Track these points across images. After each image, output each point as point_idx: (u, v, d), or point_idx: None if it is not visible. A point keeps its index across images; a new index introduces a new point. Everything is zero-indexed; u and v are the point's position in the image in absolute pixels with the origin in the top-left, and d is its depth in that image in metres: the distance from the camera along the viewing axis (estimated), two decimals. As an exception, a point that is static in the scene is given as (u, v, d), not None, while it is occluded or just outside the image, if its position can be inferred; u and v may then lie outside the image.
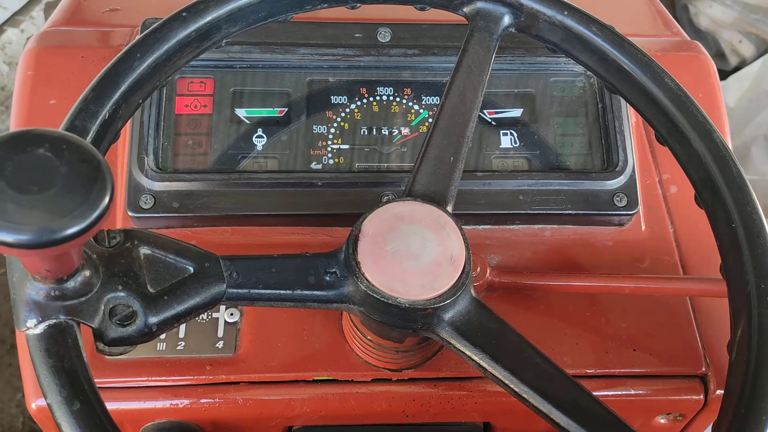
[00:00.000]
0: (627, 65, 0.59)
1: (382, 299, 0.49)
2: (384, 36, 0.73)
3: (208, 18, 0.56)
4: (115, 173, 0.71)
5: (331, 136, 0.72)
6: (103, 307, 0.43)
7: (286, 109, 0.72)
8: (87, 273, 0.43)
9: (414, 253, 0.52)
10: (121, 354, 0.46)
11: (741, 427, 0.44)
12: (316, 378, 0.62)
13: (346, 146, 0.72)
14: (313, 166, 0.71)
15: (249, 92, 0.72)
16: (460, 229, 0.53)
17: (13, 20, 2.34)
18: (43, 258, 0.38)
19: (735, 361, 0.48)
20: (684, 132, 0.56)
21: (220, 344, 0.63)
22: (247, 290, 0.49)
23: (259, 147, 0.71)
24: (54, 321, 0.41)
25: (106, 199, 0.35)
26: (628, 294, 0.66)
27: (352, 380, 0.63)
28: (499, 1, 0.61)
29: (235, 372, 0.62)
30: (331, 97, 0.73)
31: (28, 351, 0.62)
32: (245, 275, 0.49)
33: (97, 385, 0.42)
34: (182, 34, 0.55)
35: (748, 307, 0.48)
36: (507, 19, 0.61)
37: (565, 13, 0.60)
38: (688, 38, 0.88)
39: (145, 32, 0.54)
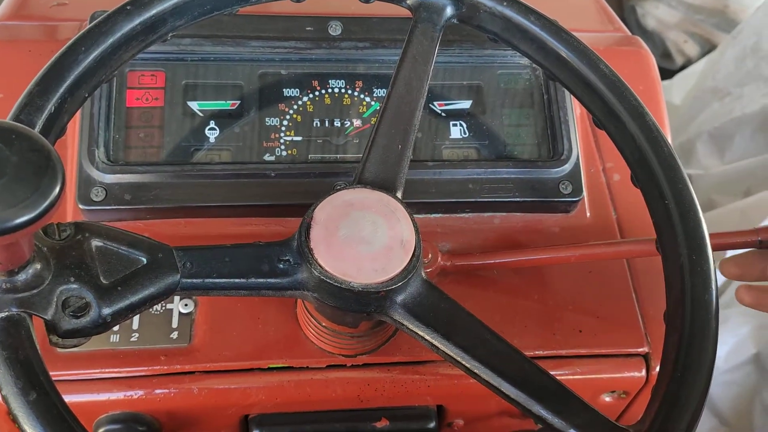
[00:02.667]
0: (564, 53, 0.62)
1: (336, 284, 0.50)
2: (335, 29, 0.74)
3: (153, 11, 0.56)
4: (66, 166, 0.70)
5: (284, 128, 0.73)
6: (55, 299, 0.43)
7: (239, 102, 0.73)
8: (38, 266, 0.43)
9: (365, 238, 0.53)
10: (74, 346, 0.46)
11: (677, 389, 0.47)
12: (271, 366, 0.63)
13: (299, 138, 0.72)
14: (266, 157, 0.71)
15: (201, 85, 0.73)
16: (410, 214, 0.54)
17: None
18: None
19: (670, 329, 0.50)
20: (619, 115, 0.59)
21: (174, 335, 0.63)
22: (201, 280, 0.50)
23: (212, 139, 0.71)
24: (6, 314, 0.41)
25: (57, 188, 0.35)
26: (573, 263, 0.68)
27: (308, 367, 0.63)
28: None
29: (190, 362, 0.62)
30: (284, 89, 0.74)
31: None
32: (199, 265, 0.50)
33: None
34: (127, 27, 0.55)
35: (681, 278, 0.50)
36: (449, 11, 0.63)
37: (505, 3, 0.63)
38: (630, 34, 0.92)
39: (90, 25, 0.54)
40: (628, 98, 0.59)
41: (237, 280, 0.51)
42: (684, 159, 1.64)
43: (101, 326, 0.45)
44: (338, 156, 0.72)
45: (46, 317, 0.43)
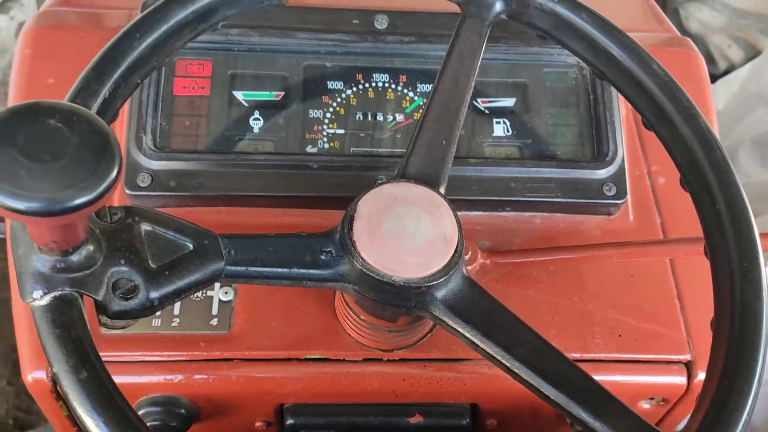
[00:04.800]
0: (615, 51, 0.61)
1: (377, 277, 0.50)
2: (381, 23, 0.74)
3: (207, 0, 0.56)
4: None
5: (326, 121, 0.73)
6: (106, 281, 0.44)
7: (283, 93, 0.73)
8: (91, 247, 0.43)
9: (408, 232, 0.53)
10: (122, 328, 0.46)
11: (725, 398, 0.46)
12: (308, 357, 0.63)
13: (341, 131, 0.73)
14: (309, 149, 0.72)
15: (247, 75, 0.73)
16: (453, 211, 0.54)
17: (2, 6, 2.33)
18: (51, 228, 0.38)
19: (718, 336, 0.49)
20: (670, 117, 0.58)
21: (214, 321, 0.64)
22: (245, 268, 0.50)
23: (256, 129, 0.72)
24: (59, 292, 0.42)
25: (115, 171, 0.36)
26: (616, 261, 0.67)
27: (344, 359, 0.64)
28: None
29: (229, 349, 0.63)
30: (328, 82, 0.74)
31: (25, 324, 0.63)
32: (243, 253, 0.50)
33: None
34: (181, 15, 0.55)
35: (731, 285, 0.49)
36: (498, 6, 0.62)
37: (556, 0, 0.62)
38: (680, 35, 0.90)
39: (145, 12, 0.55)
40: (680, 100, 0.58)
41: (280, 270, 0.51)
42: (726, 165, 1.60)
43: (148, 309, 0.46)
44: (380, 150, 0.72)
45: (97, 298, 0.44)
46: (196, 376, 0.62)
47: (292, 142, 0.72)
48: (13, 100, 0.75)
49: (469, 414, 0.69)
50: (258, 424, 0.68)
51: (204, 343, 0.63)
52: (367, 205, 0.53)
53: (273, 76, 0.74)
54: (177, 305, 0.64)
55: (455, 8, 0.64)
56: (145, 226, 0.47)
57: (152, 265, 0.46)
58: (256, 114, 0.72)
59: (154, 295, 0.46)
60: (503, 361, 0.50)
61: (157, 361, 0.62)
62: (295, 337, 0.64)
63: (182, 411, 0.63)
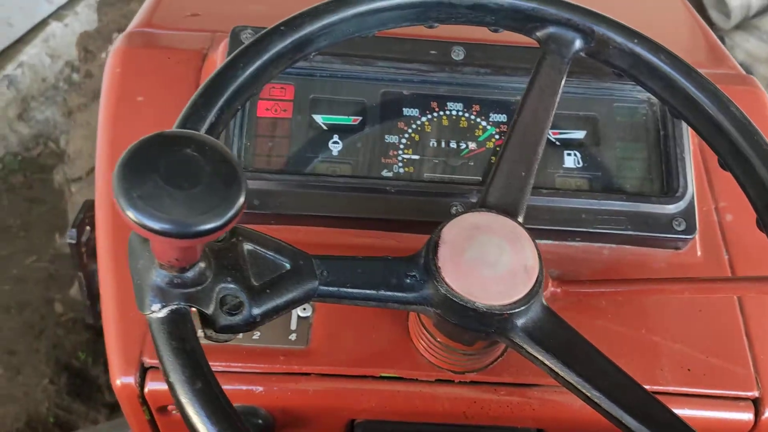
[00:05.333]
0: (693, 92, 0.62)
1: (461, 303, 0.52)
2: (458, 54, 0.77)
3: (303, 32, 0.60)
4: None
5: (402, 146, 0.75)
6: (215, 297, 0.47)
7: (361, 118, 0.76)
8: (202, 264, 0.46)
9: (490, 261, 0.55)
10: (225, 341, 0.49)
11: None
12: (383, 375, 0.66)
13: (416, 156, 0.75)
14: (384, 173, 0.74)
15: (326, 99, 0.76)
16: (533, 241, 0.56)
17: (57, 14, 2.42)
18: (179, 248, 0.41)
19: None
20: (748, 158, 0.59)
21: (293, 336, 0.66)
22: (336, 288, 0.53)
23: (335, 152, 0.75)
24: (176, 306, 0.45)
25: (242, 199, 0.39)
26: (687, 296, 0.68)
27: (417, 379, 0.66)
28: (571, 26, 0.64)
29: (307, 363, 0.65)
30: (404, 108, 0.77)
31: (115, 332, 0.66)
32: (334, 274, 0.53)
33: None
34: (280, 45, 0.59)
35: None
36: (578, 44, 0.64)
37: (635, 41, 0.64)
38: (744, 72, 0.91)
39: (247, 43, 0.58)
40: (758, 142, 0.59)
41: (368, 291, 0.54)
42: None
43: (251, 325, 0.48)
44: (453, 176, 0.75)
45: (207, 312, 0.46)
46: (275, 388, 0.65)
47: (368, 165, 0.74)
48: (105, 115, 0.79)
49: (536, 438, 0.70)
50: (328, 439, 0.71)
51: (283, 357, 0.65)
52: (451, 232, 0.55)
53: (351, 102, 0.76)
54: (258, 319, 0.67)
55: (529, 41, 0.66)
56: (247, 246, 0.50)
57: (255, 283, 0.49)
58: (335, 137, 0.75)
59: (257, 311, 0.48)
60: (584, 391, 0.51)
61: (239, 372, 0.65)
62: (369, 355, 0.66)
63: (260, 421, 0.65)
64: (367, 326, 0.67)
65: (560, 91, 0.64)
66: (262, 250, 0.51)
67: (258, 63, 0.57)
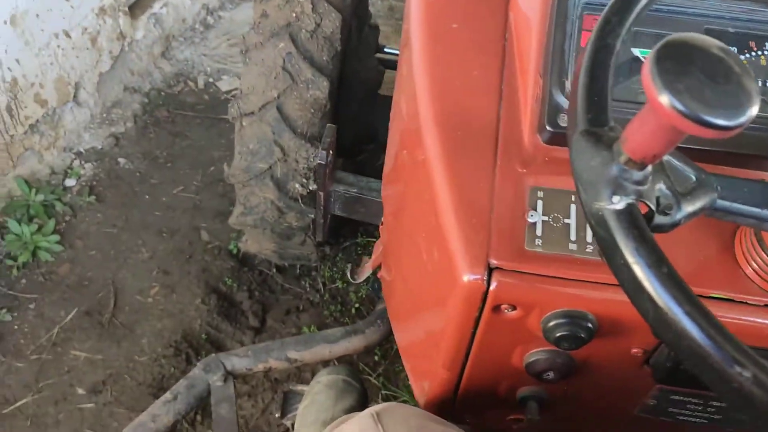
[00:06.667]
0: None
1: None
2: (787, -4, 0.77)
3: None
4: (525, 92, 0.80)
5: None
6: (653, 196, 0.52)
7: (678, 53, 0.78)
8: (649, 167, 0.51)
9: None
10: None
11: None
12: (713, 295, 0.69)
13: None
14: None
15: (648, 33, 0.79)
16: None
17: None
18: (672, 142, 0.46)
19: None
20: None
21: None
22: (729, 203, 0.56)
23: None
24: (632, 200, 0.50)
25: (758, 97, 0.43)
26: None
27: (746, 302, 0.69)
28: None
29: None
30: (723, 46, 0.78)
31: (458, 232, 0.71)
32: (727, 190, 0.56)
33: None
34: None
35: None
36: None
37: None
38: None
39: None
40: None
41: (754, 210, 0.57)
42: None
43: (674, 226, 0.53)
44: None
45: (652, 208, 0.51)
46: (601, 296, 0.70)
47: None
48: (418, 41, 0.85)
49: None
50: (634, 350, 0.76)
51: (609, 268, 0.70)
52: None
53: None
54: (590, 232, 0.72)
55: None
56: (664, 156, 0.54)
57: (678, 189, 0.54)
58: (653, 72, 0.78)
59: (679, 215, 0.53)
60: None
61: (572, 279, 0.70)
62: (694, 273, 0.70)
63: (589, 325, 0.71)
64: (694, 247, 0.71)
65: None
66: (674, 160, 0.55)
67: None
